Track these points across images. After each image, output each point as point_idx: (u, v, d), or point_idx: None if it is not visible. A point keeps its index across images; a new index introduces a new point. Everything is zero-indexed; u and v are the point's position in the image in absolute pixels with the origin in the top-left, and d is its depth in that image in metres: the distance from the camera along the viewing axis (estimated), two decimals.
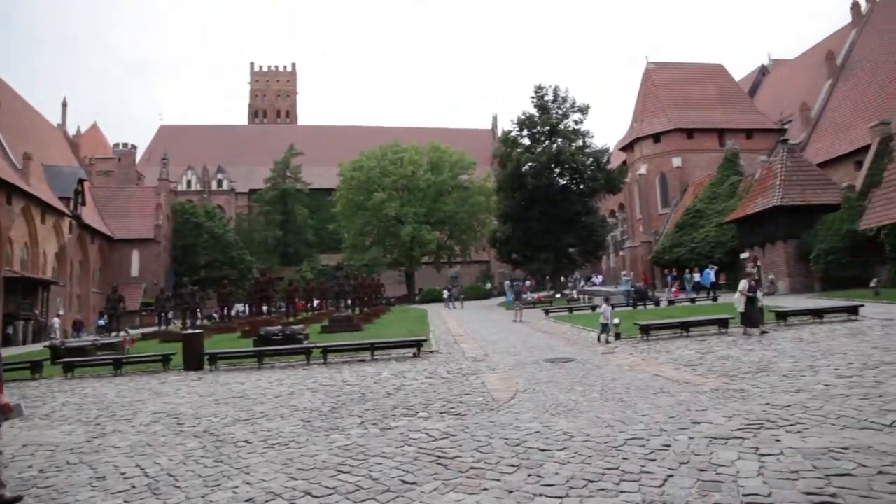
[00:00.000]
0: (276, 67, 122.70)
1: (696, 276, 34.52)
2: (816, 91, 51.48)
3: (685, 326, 16.13)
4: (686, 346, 13.93)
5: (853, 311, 17.18)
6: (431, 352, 16.13)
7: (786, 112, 54.14)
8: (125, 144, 75.66)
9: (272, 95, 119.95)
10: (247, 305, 37.88)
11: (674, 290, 35.60)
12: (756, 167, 40.07)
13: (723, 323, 16.30)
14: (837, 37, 55.44)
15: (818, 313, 17.13)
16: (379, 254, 55.42)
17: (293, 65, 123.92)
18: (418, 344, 15.81)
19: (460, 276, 68.99)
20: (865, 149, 32.79)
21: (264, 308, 33.36)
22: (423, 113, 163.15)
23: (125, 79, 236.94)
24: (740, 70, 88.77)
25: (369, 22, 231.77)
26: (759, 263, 33.99)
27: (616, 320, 16.71)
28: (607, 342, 15.50)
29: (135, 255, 58.09)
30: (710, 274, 32.73)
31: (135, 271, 57.58)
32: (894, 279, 26.24)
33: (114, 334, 25.24)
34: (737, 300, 15.89)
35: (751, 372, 10.03)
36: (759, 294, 15.70)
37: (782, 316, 16.88)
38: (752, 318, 15.27)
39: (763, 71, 68.37)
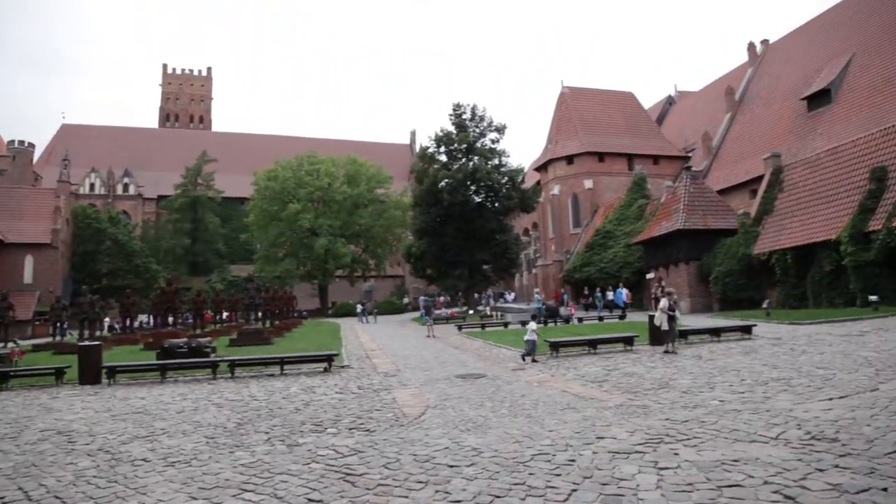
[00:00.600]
0: (191, 71, 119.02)
1: (610, 295, 35.61)
2: (717, 123, 54.66)
3: (593, 344, 16.61)
4: (593, 363, 14.34)
5: (747, 330, 18.21)
6: (343, 366, 15.93)
7: (690, 141, 57.12)
8: (21, 142, 71.11)
9: (186, 99, 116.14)
10: (151, 316, 36.19)
11: (570, 307, 35.87)
12: (662, 191, 41.94)
13: (628, 341, 16.90)
14: (736, 73, 59.20)
15: (716, 332, 18.03)
16: (292, 266, 54.32)
17: (209, 69, 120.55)
18: (329, 358, 15.57)
19: (374, 290, 68.53)
20: (760, 178, 34.98)
21: (170, 319, 32.01)
22: (341, 125, 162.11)
23: (26, 75, 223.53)
24: (649, 99, 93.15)
25: (289, 31, 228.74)
26: (663, 283, 35.49)
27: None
28: (534, 360, 15.25)
29: (28, 261, 54.41)
30: (623, 293, 33.83)
31: (28, 278, 53.88)
32: (783, 301, 28.01)
33: (0, 345, 23.54)
34: (658, 318, 16.16)
35: (653, 388, 10.43)
36: (677, 313, 16.21)
37: (683, 335, 17.65)
38: (670, 335, 15.71)
39: (670, 101, 71.99)
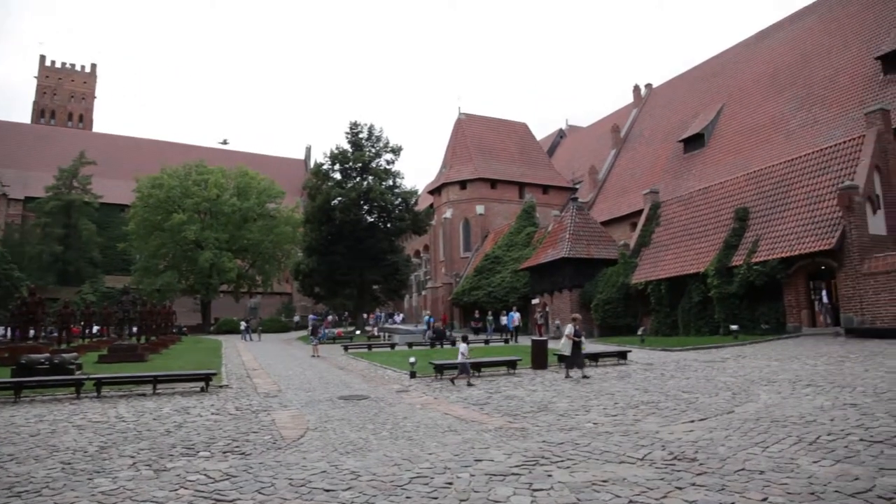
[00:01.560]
0: (73, 66, 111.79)
1: (504, 319, 36.01)
2: (603, 158, 57.58)
3: (477, 367, 16.85)
4: (477, 386, 14.56)
5: (622, 355, 19.12)
6: (221, 386, 15.30)
7: (577, 173, 59.77)
8: None
9: (65, 95, 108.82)
10: (9, 329, 33.28)
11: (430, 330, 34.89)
12: (550, 220, 43.59)
13: (511, 364, 17.28)
14: (622, 113, 62.76)
15: (594, 357, 18.78)
16: (173, 279, 51.83)
17: (93, 66, 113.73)
18: (207, 378, 14.91)
19: (260, 307, 66.56)
20: (640, 212, 37.07)
21: (31, 332, 29.55)
22: (234, 136, 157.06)
23: None
24: (542, 131, 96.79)
25: (186, 38, 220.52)
26: (548, 309, 36.72)
27: (412, 359, 17.04)
28: (469, 384, 14.79)
29: None
30: (514, 317, 34.53)
31: None
32: (656, 328, 29.68)
33: None
34: (563, 344, 16.18)
35: (532, 411, 10.72)
36: (583, 338, 16.43)
37: (563, 359, 18.24)
38: (576, 361, 15.77)
39: (561, 134, 75.22)
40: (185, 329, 49.45)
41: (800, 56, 42.51)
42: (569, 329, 16.06)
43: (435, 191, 59.15)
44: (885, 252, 21.63)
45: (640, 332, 27.98)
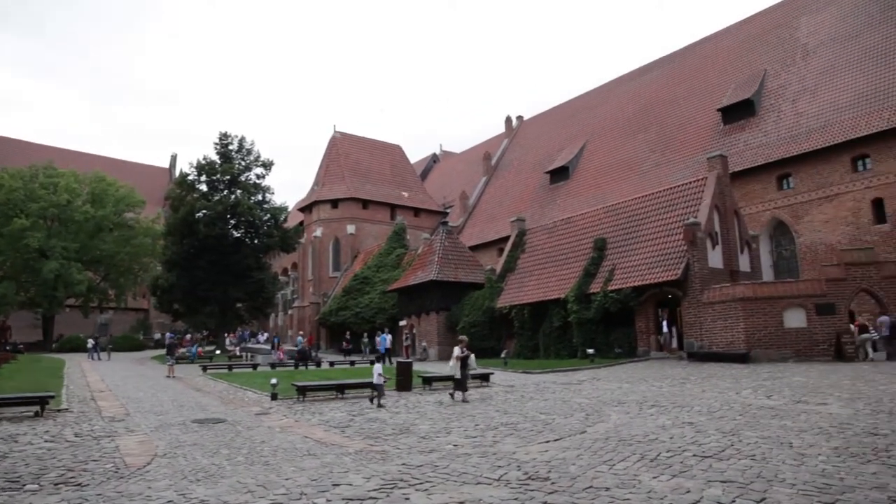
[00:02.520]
0: None
1: (379, 340, 35.31)
2: (474, 184, 59.27)
3: (341, 388, 16.62)
4: (340, 408, 14.34)
5: (485, 378, 19.51)
6: (60, 410, 14.05)
7: (449, 198, 61.05)
8: None
9: None
10: None
11: (279, 352, 34.10)
12: (420, 243, 44.10)
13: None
14: (494, 142, 65.08)
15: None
16: (10, 290, 46.95)
17: None
18: (43, 400, 13.62)
19: (112, 323, 61.93)
20: (507, 239, 38.33)
21: None
22: (93, 138, 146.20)
23: None
24: (416, 154, 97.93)
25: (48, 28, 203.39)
26: (415, 331, 36.95)
27: (274, 380, 16.53)
28: (380, 406, 14.42)
29: None
30: (386, 339, 34.19)
31: None
32: (519, 351, 30.67)
33: None
34: (451, 366, 15.87)
35: (394, 434, 10.69)
36: (472, 360, 16.21)
37: (428, 381, 18.39)
38: (463, 383, 15.62)
39: (434, 159, 76.64)
40: (20, 346, 44.96)
41: (654, 103, 46.15)
42: (456, 351, 15.93)
43: (306, 208, 58.15)
44: (721, 284, 23.73)
45: (503, 355, 28.77)
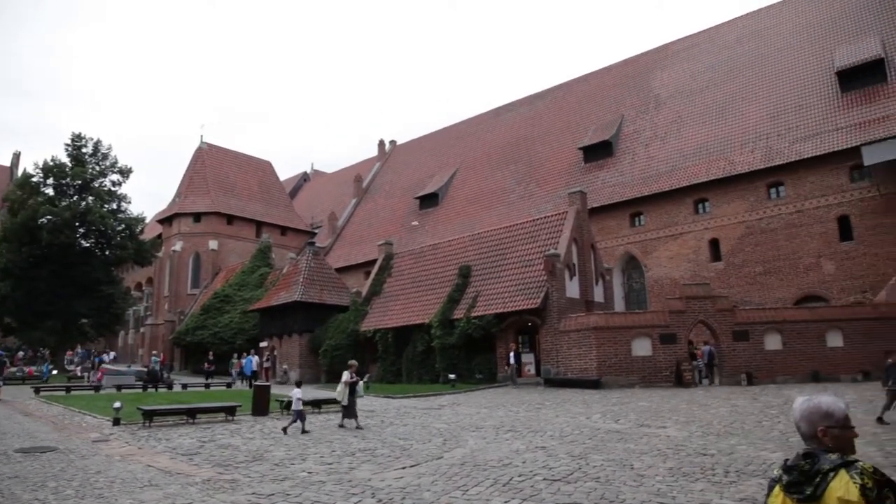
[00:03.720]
0: None
1: (244, 361, 33.55)
2: (344, 205, 58.88)
3: (192, 413, 15.72)
4: (189, 434, 13.55)
5: None
6: None
7: (317, 218, 60.17)
8: None
9: None
10: None
11: (98, 374, 31.02)
12: (285, 262, 42.97)
13: (230, 410, 16.41)
14: (366, 164, 65.13)
15: (317, 404, 18.62)
16: None
17: None
18: None
19: None
20: (374, 262, 38.22)
21: None
22: None
23: None
24: (286, 171, 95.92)
25: None
26: (276, 353, 35.81)
27: (117, 404, 15.36)
28: (304, 431, 13.73)
29: None
30: (252, 361, 32.67)
31: None
32: (382, 375, 30.52)
33: None
34: (340, 392, 15.10)
35: (246, 461, 10.24)
36: (360, 386, 15.64)
37: (286, 406, 17.77)
38: (351, 410, 14.99)
39: (305, 177, 75.41)
40: None
41: (523, 137, 48.26)
42: (345, 376, 15.29)
43: (166, 220, 55.09)
44: (577, 313, 24.97)
45: (365, 380, 28.45)
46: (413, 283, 32.33)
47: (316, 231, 57.87)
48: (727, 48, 40.92)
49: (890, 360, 13.33)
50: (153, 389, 26.44)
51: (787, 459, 2.50)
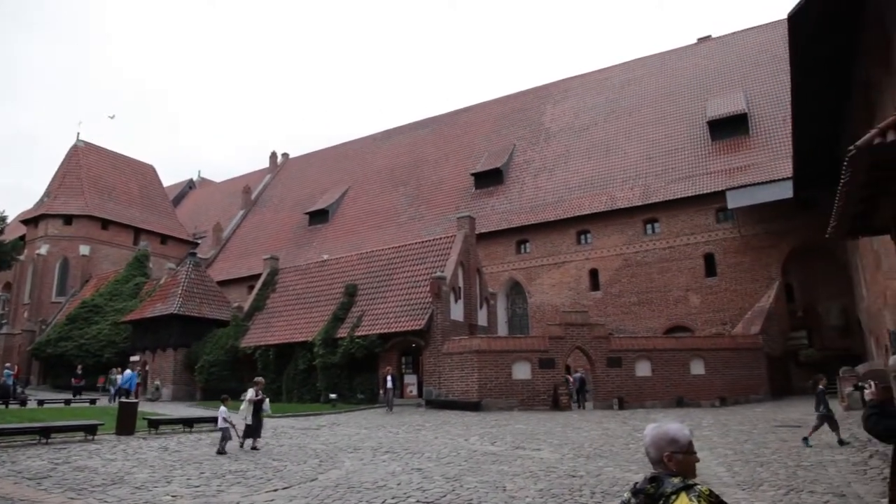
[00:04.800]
0: None
1: (122, 376, 30.79)
2: (231, 216, 56.93)
3: (45, 432, 14.53)
4: (41, 455, 12.52)
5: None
6: None
7: (201, 228, 57.79)
8: None
9: None
10: None
11: None
12: (164, 272, 40.89)
13: (90, 429, 15.33)
14: (256, 176, 63.37)
15: (189, 423, 17.78)
16: None
17: None
18: None
19: None
20: (258, 276, 37.14)
21: None
22: None
23: None
24: (173, 177, 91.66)
25: None
26: (147, 368, 33.89)
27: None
28: (219, 452, 12.98)
29: None
30: (135, 377, 30.41)
31: None
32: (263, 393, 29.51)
33: None
34: (243, 410, 14.25)
35: (104, 484, 9.60)
36: (267, 405, 14.88)
37: (154, 424, 16.88)
38: (257, 430, 14.22)
39: (190, 185, 72.29)
40: None
41: (417, 159, 48.78)
42: (250, 393, 14.58)
43: (31, 221, 50.96)
44: (460, 336, 25.35)
45: (243, 397, 27.44)
46: (298, 299, 31.67)
47: (199, 241, 55.51)
48: (613, 90, 43.41)
49: (821, 386, 13.66)
50: (3, 406, 24.21)
51: (636, 483, 2.67)
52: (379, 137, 56.42)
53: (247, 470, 11.01)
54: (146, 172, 58.97)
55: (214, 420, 18.35)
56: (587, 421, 19.00)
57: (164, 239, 53.62)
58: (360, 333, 26.77)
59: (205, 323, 33.34)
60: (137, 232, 52.01)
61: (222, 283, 42.76)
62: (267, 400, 15.06)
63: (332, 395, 25.60)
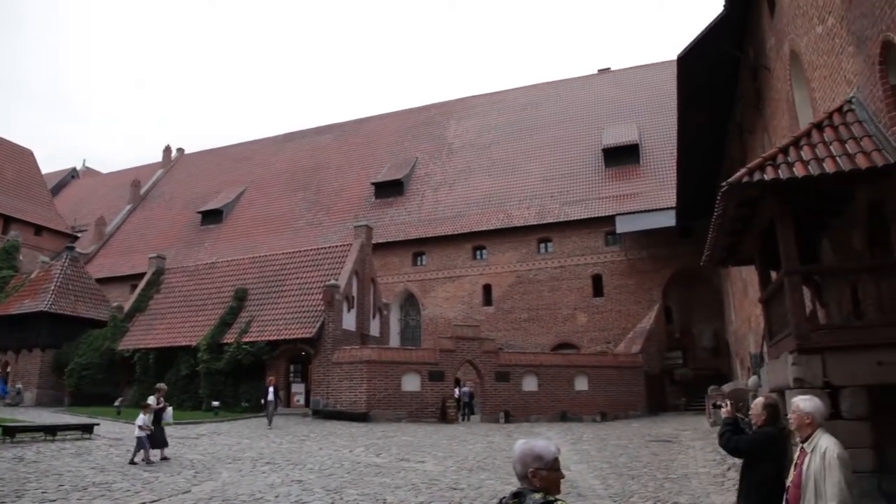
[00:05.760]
0: None
1: None
2: (116, 211, 53.80)
3: None
4: None
5: (88, 429, 17.29)
6: None
7: (82, 220, 54.22)
8: None
9: None
10: None
11: None
12: (35, 266, 38.00)
13: None
14: (147, 169, 60.21)
15: (51, 430, 16.54)
16: None
17: None
18: None
19: None
20: (143, 275, 35.24)
21: None
22: None
23: None
24: (55, 164, 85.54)
25: None
26: (9, 370, 31.36)
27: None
28: (134, 462, 12.42)
29: None
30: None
31: None
32: (138, 399, 27.84)
33: None
34: (142, 419, 13.05)
35: None
36: (169, 413, 13.88)
37: (10, 432, 15.56)
38: (158, 438, 13.15)
39: (74, 174, 67.70)
40: None
41: (318, 164, 48.10)
42: (150, 400, 13.61)
43: None
44: (351, 345, 25.12)
45: (117, 404, 25.90)
46: (184, 301, 30.31)
47: (79, 235, 51.94)
48: (515, 111, 44.63)
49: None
50: None
51: (502, 498, 2.73)
52: (280, 140, 55.17)
53: (113, 482, 10.40)
54: (23, 157, 54.63)
55: (81, 427, 17.37)
56: (473, 434, 19.26)
57: (39, 230, 49.76)
58: (247, 339, 25.96)
59: (79, 322, 31.26)
60: (8, 220, 48.07)
61: (102, 281, 40.23)
62: (170, 409, 14.24)
63: (215, 403, 24.62)
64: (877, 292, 8.39)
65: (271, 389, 21.65)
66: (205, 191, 50.84)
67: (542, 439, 2.81)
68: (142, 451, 12.69)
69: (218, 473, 11.45)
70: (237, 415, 24.10)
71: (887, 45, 7.94)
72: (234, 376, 26.06)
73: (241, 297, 28.22)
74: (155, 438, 13.16)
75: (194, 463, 12.66)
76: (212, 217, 46.77)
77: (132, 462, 12.52)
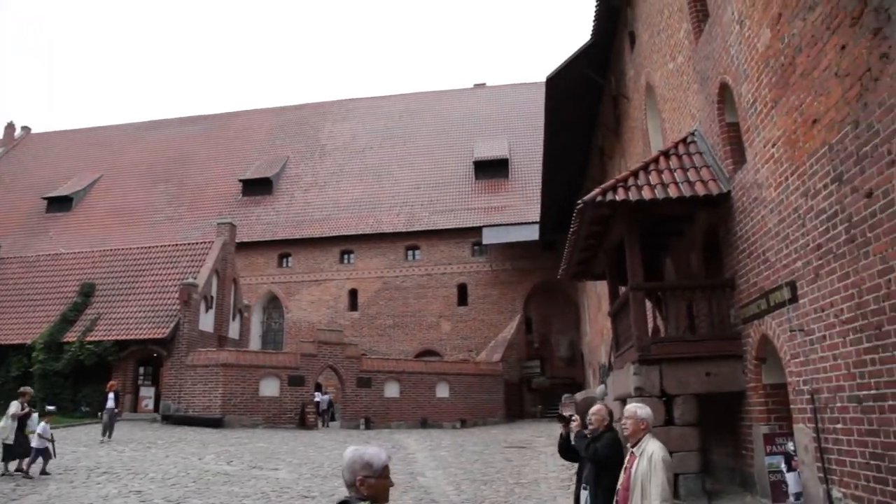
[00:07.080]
0: None
1: None
2: None
3: None
4: None
5: None
6: None
7: None
8: None
9: None
10: None
11: None
12: None
13: None
14: None
15: None
16: None
17: None
18: None
19: None
20: None
21: None
22: None
23: None
24: None
25: None
26: None
27: None
28: (28, 474, 11.37)
29: None
30: None
31: None
32: None
33: None
34: (4, 428, 11.69)
35: None
36: (34, 420, 12.14)
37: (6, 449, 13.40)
38: (23, 446, 11.67)
39: None
40: None
41: (183, 156, 45.67)
42: (13, 407, 11.96)
43: None
44: (208, 347, 24.01)
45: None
46: (20, 295, 27.60)
47: None
48: (391, 118, 44.75)
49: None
50: None
51: None
52: (142, 127, 51.80)
53: None
54: None
55: None
56: (331, 440, 19.02)
57: None
58: (92, 338, 24.09)
59: None
60: None
61: None
62: (35, 415, 12.57)
63: (51, 408, 22.56)
64: (708, 309, 9.20)
65: (112, 396, 18.83)
66: (53, 175, 46.73)
67: (374, 447, 2.78)
68: (43, 461, 11.73)
69: (44, 486, 10.53)
70: (75, 420, 22.30)
71: (724, 86, 8.76)
72: (74, 378, 24.04)
73: (87, 292, 26.17)
74: (12, 449, 11.83)
75: (15, 475, 11.54)
76: (59, 204, 43.09)
77: (44, 472, 11.57)
